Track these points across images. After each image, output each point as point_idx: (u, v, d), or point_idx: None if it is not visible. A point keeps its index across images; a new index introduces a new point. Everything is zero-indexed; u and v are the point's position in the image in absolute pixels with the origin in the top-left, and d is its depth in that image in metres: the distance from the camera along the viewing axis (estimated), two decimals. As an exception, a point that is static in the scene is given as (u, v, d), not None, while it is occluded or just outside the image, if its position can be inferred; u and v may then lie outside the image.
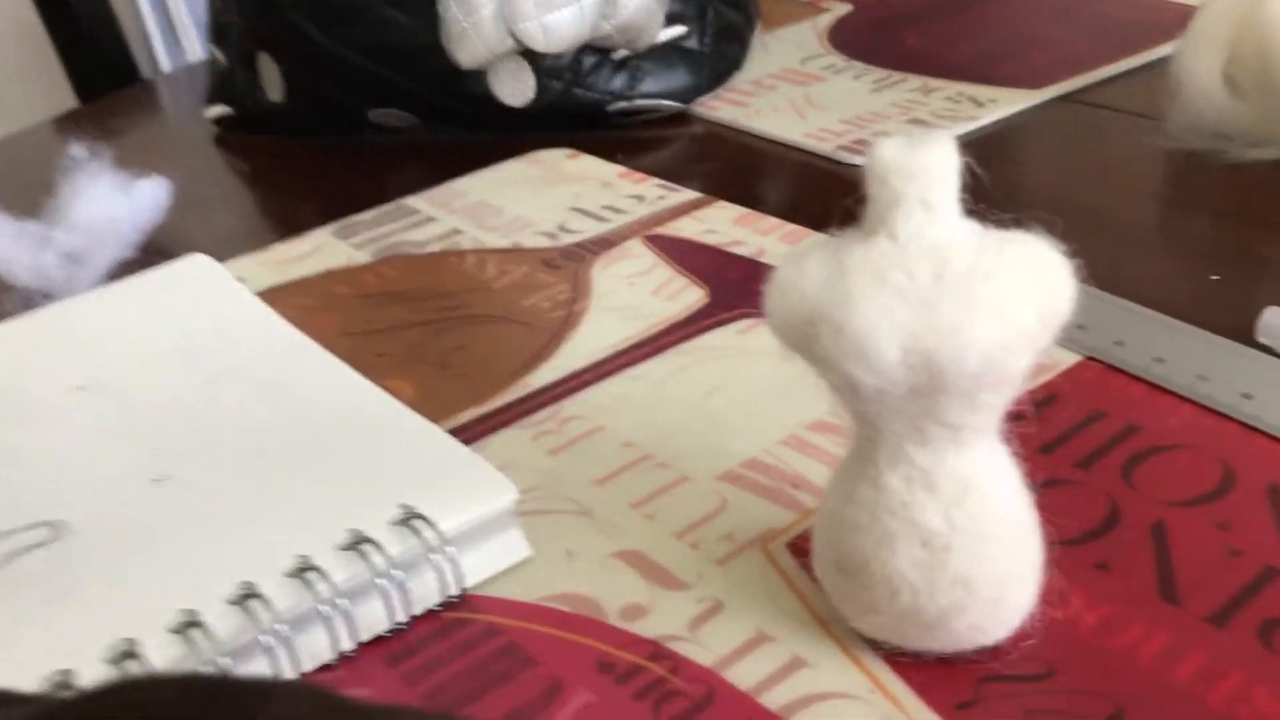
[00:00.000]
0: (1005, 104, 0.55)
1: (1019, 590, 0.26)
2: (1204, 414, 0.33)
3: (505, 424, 0.37)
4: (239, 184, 0.60)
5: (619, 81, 0.56)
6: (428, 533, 0.29)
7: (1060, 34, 0.62)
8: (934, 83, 0.58)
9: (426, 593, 0.30)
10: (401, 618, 0.29)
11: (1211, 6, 0.48)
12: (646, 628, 0.29)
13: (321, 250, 0.49)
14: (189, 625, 0.27)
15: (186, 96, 0.76)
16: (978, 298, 0.23)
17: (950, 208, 0.24)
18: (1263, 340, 0.35)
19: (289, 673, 0.28)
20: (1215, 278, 0.40)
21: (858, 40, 0.65)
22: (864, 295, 0.23)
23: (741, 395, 0.37)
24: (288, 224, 0.54)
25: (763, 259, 0.44)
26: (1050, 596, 0.27)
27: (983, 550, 0.25)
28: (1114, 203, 0.46)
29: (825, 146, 0.53)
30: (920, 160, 0.23)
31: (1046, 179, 0.50)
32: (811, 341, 0.24)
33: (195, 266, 0.44)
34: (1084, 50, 0.59)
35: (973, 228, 0.24)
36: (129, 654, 0.27)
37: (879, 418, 0.24)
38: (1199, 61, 0.48)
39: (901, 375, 0.23)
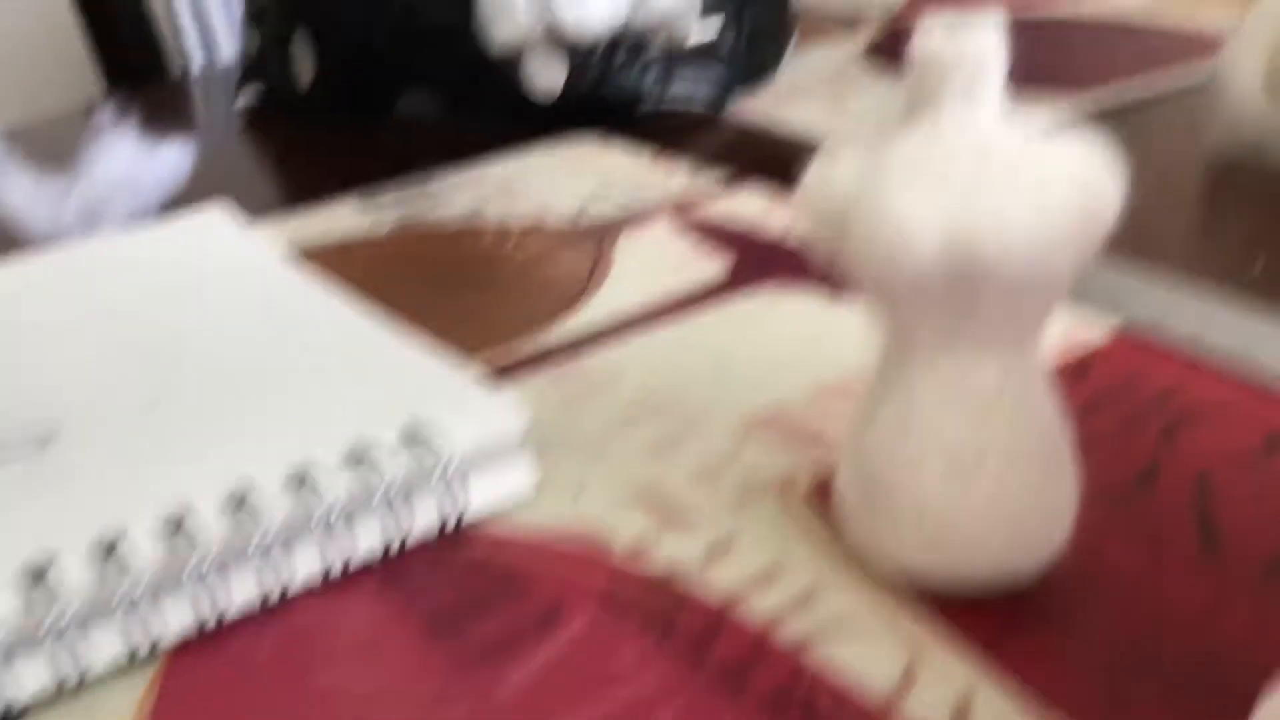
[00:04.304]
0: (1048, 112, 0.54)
1: (1051, 518, 0.24)
2: (1246, 384, 0.32)
3: (519, 375, 0.36)
4: (263, 160, 0.60)
5: (651, 78, 0.56)
6: (435, 447, 0.28)
7: (1100, 60, 0.62)
8: (969, 94, 0.57)
9: (427, 513, 0.28)
10: (399, 537, 0.28)
11: (1255, 12, 0.48)
12: (654, 562, 0.27)
13: (339, 222, 0.49)
14: (176, 525, 0.26)
15: (217, 91, 0.76)
16: (1023, 188, 0.22)
17: (995, 97, 0.22)
18: (1309, 320, 0.34)
19: (275, 588, 0.26)
20: (1259, 260, 0.38)
21: (895, 57, 0.65)
22: (905, 181, 0.22)
23: (764, 355, 0.35)
24: (309, 202, 0.53)
25: (791, 241, 0.43)
26: (1083, 534, 0.25)
27: (1014, 466, 0.23)
28: (1155, 205, 0.45)
29: (857, 146, 0.52)
30: (968, 46, 0.22)
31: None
32: (848, 229, 0.23)
33: (211, 217, 0.43)
34: (1123, 67, 0.59)
35: (1016, 120, 0.23)
36: (114, 544, 0.25)
37: (912, 321, 0.23)
38: (1241, 69, 0.47)
39: (940, 268, 0.22)
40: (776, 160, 0.52)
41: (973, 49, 0.22)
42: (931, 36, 0.22)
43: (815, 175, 0.23)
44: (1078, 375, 0.33)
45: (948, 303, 0.22)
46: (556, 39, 0.53)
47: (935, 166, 0.22)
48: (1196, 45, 0.62)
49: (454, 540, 0.28)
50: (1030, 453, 0.23)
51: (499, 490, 0.29)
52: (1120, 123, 0.53)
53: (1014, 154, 0.22)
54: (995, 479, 0.23)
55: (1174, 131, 0.52)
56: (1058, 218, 0.22)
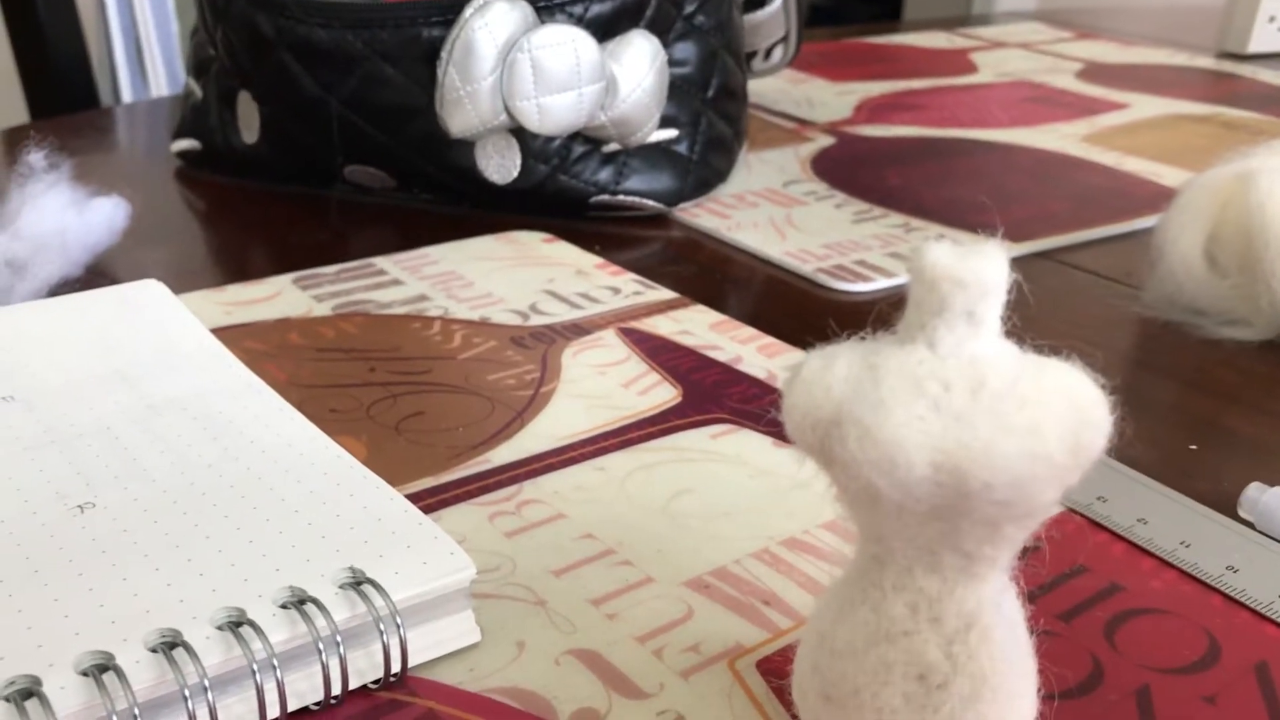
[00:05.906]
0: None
1: (1012, 739, 0.24)
2: (1187, 580, 0.32)
3: (460, 499, 0.35)
4: (197, 221, 0.58)
5: (605, 174, 0.56)
6: (377, 600, 0.27)
7: (1037, 193, 0.63)
8: (915, 221, 0.58)
9: (367, 666, 0.27)
10: (337, 690, 0.26)
11: (1198, 182, 0.49)
12: (601, 734, 0.26)
13: (279, 297, 0.47)
14: (102, 668, 0.24)
15: (148, 128, 0.74)
16: (1015, 421, 0.22)
17: (994, 323, 0.22)
18: (1245, 515, 0.35)
19: (203, 737, 0.25)
20: (1193, 447, 0.39)
21: (839, 171, 0.65)
22: (898, 401, 0.22)
23: (711, 501, 0.35)
24: (244, 269, 0.51)
25: (739, 366, 0.43)
26: (1035, 751, 0.25)
27: (980, 691, 0.23)
28: (1090, 362, 0.46)
29: (805, 268, 0.52)
30: (973, 269, 0.22)
31: (1021, 330, 0.50)
32: (834, 443, 0.22)
33: (146, 291, 0.42)
34: (1061, 211, 0.60)
35: (1012, 348, 0.23)
36: (29, 692, 0.24)
37: (893, 536, 0.23)
38: (1181, 235, 0.49)
39: (926, 492, 0.22)
40: (725, 273, 0.52)
41: (979, 272, 0.22)
42: (939, 254, 0.22)
43: (808, 374, 0.23)
44: (1024, 554, 0.33)
45: (929, 525, 0.22)
46: (515, 130, 0.53)
47: (929, 390, 0.22)
48: (1133, 187, 0.63)
49: (393, 694, 0.27)
50: (998, 677, 0.23)
51: (440, 643, 0.28)
52: (1057, 264, 0.55)
53: (1008, 384, 0.22)
54: (961, 700, 0.23)
55: (1110, 278, 0.53)
56: (1048, 455, 0.22)
